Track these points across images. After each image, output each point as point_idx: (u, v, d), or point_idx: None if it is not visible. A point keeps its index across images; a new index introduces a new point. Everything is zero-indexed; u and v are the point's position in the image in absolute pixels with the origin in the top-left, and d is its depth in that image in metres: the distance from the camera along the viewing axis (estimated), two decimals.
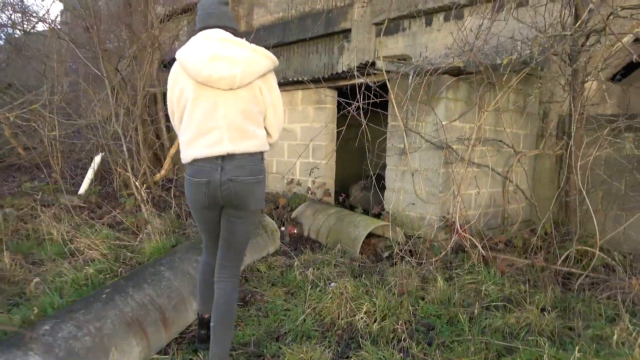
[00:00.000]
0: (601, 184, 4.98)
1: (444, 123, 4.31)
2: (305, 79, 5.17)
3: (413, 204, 4.56)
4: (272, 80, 2.40)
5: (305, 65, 9.00)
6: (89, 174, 5.96)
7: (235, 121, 2.26)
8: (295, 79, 5.49)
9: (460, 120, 4.49)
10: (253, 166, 2.33)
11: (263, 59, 2.30)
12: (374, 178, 4.56)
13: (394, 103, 4.06)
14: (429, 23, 7.16)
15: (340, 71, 5.16)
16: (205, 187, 2.28)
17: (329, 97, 5.49)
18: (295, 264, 3.57)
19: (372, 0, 7.72)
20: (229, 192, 2.29)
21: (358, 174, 6.69)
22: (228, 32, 2.33)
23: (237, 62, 2.22)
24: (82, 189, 5.98)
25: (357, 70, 4.75)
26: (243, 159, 2.29)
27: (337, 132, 5.74)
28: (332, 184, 5.69)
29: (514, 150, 4.92)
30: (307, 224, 4.81)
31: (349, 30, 8.17)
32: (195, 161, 2.28)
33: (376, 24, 7.75)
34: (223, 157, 2.26)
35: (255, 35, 9.71)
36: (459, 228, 4.00)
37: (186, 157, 2.31)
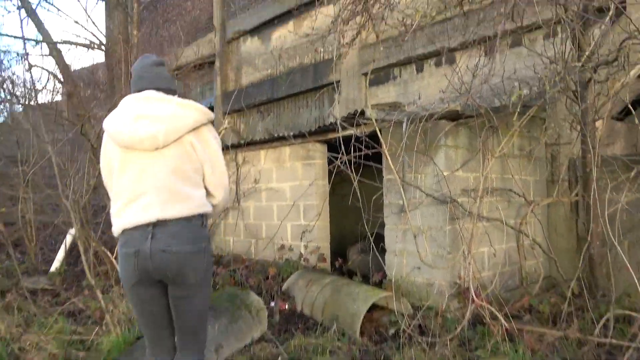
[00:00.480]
0: (628, 233, 4.42)
1: (445, 174, 3.83)
2: (290, 134, 4.76)
3: (418, 268, 3.99)
4: (208, 134, 2.21)
5: (295, 121, 8.69)
6: (61, 252, 5.43)
7: (165, 183, 2.07)
8: (279, 135, 5.08)
9: (463, 169, 4.02)
10: (189, 234, 2.08)
11: (192, 112, 2.14)
12: (371, 240, 4.02)
13: (387, 155, 3.61)
14: (420, 70, 6.88)
15: (329, 124, 4.76)
16: (135, 258, 2.04)
17: (318, 152, 5.05)
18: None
19: (359, 51, 7.50)
20: (163, 265, 2.03)
21: (357, 233, 6.14)
22: (160, 92, 2.17)
23: (160, 119, 2.08)
24: (53, 268, 5.43)
25: (345, 121, 4.33)
26: (177, 225, 2.06)
27: (331, 188, 5.27)
28: (327, 247, 5.13)
29: (526, 199, 4.40)
30: (300, 297, 4.21)
31: (338, 82, 7.90)
32: (125, 231, 2.09)
33: (365, 74, 7.48)
34: (154, 224, 2.04)
35: (244, 93, 9.49)
36: (474, 296, 3.41)
37: (116, 228, 2.13)
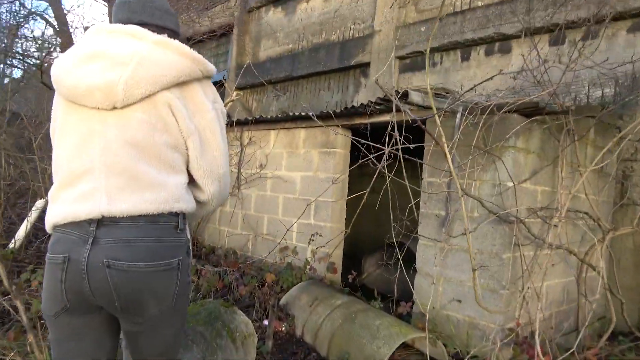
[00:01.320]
0: None
1: (509, 184, 2.89)
2: (310, 113, 3.83)
3: (459, 301, 3.07)
4: (200, 94, 1.43)
5: (314, 103, 7.76)
6: (23, 227, 4.58)
7: (120, 160, 1.33)
8: (295, 114, 4.16)
9: (530, 181, 3.08)
10: (153, 241, 1.33)
11: (175, 57, 1.37)
12: (399, 255, 3.11)
13: (446, 150, 2.68)
14: (465, 57, 5.91)
15: (359, 105, 3.83)
16: (62, 271, 1.30)
17: (341, 139, 4.13)
18: None
19: (397, 31, 6.53)
20: (105, 287, 1.30)
21: (376, 238, 5.22)
22: (144, 29, 1.40)
23: (123, 61, 1.32)
24: (13, 244, 4.58)
25: (381, 104, 3.41)
26: (134, 227, 1.32)
27: (352, 183, 4.36)
28: (340, 255, 4.23)
29: (601, 226, 3.47)
30: (302, 318, 3.33)
31: (367, 64, 6.95)
32: (56, 228, 1.36)
33: (400, 58, 6.53)
34: (98, 222, 1.31)
35: (261, 68, 8.59)
36: (539, 351, 2.50)
37: (46, 222, 1.40)
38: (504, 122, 2.92)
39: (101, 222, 1.29)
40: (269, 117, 4.52)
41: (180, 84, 1.38)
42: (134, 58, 1.31)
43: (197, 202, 1.47)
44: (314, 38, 8.10)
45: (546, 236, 2.93)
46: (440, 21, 5.95)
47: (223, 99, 8.97)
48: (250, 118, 4.70)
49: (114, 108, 1.32)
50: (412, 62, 6.39)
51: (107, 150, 1.32)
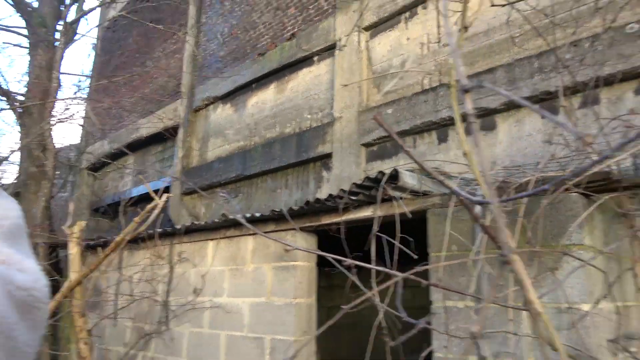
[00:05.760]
0: None
1: (585, 307, 1.74)
2: (257, 214, 2.67)
3: None
4: None
5: (271, 204, 6.65)
6: None
7: None
8: (234, 217, 2.99)
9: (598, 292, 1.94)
10: None
11: None
12: None
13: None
14: (442, 139, 5.07)
15: (327, 197, 2.71)
16: None
17: (303, 247, 2.93)
18: None
19: (359, 116, 5.73)
20: None
21: None
22: None
23: None
24: None
25: (358, 193, 2.31)
26: None
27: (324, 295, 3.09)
28: None
29: None
30: None
31: (328, 156, 6.03)
32: None
33: (366, 145, 5.65)
34: None
35: (209, 169, 7.57)
36: None
37: None
38: (556, 206, 1.84)
39: None
40: (203, 223, 3.32)
41: None
42: None
43: None
44: (267, 132, 7.24)
45: None
46: (409, 100, 5.19)
47: (168, 209, 7.76)
48: (178, 227, 3.48)
49: None
50: (381, 149, 5.51)
51: None
